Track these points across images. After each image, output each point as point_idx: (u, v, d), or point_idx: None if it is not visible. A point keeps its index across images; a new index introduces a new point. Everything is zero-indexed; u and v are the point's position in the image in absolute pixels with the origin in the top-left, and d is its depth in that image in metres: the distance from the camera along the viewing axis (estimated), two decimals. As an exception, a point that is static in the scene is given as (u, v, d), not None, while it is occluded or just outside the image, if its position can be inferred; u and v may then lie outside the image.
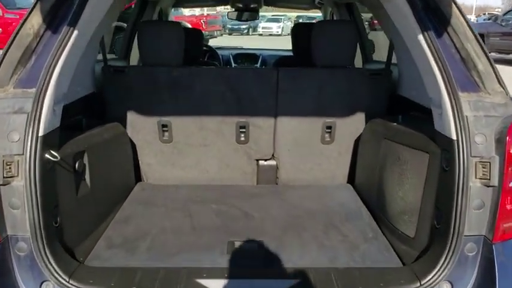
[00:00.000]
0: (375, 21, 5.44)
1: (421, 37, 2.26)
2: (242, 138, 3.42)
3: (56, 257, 2.10)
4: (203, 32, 6.51)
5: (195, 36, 4.74)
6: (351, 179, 3.53)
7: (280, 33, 35.73)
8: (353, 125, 3.39)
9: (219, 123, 3.37)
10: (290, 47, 5.16)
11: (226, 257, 2.42)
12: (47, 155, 2.09)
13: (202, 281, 2.17)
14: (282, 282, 2.19)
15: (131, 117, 3.35)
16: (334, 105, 3.33)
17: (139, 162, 3.48)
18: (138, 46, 3.27)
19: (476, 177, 2.07)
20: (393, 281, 2.18)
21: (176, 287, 2.12)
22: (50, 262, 2.07)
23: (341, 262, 2.39)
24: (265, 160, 3.52)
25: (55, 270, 2.07)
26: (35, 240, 2.04)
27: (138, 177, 3.50)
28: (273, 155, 3.50)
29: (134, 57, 4.82)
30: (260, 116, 3.35)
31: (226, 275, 2.22)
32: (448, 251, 2.12)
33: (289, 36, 5.09)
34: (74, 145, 2.45)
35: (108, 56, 3.98)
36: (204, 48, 6.01)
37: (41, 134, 2.05)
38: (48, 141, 2.11)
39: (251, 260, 2.41)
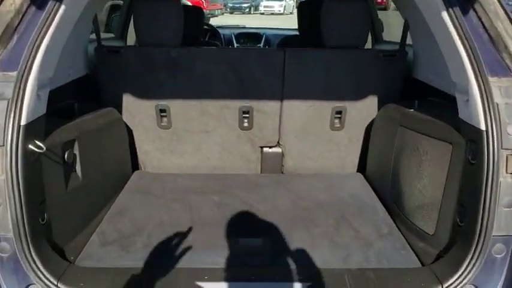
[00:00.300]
0: (379, 0, 5.17)
1: (445, 15, 2.03)
2: (245, 124, 3.20)
3: (43, 258, 1.92)
4: (204, 10, 6.23)
5: (195, 15, 4.48)
6: (361, 168, 3.33)
7: (282, 12, 35.13)
8: (364, 110, 3.17)
9: (221, 108, 3.15)
10: (292, 26, 4.90)
11: (229, 256, 2.22)
12: (30, 146, 1.88)
13: (204, 284, 1.99)
14: (292, 286, 2.00)
15: (127, 101, 3.13)
16: (344, 89, 3.11)
17: (137, 149, 3.27)
18: (134, 25, 3.04)
19: (507, 172, 1.87)
20: (412, 284, 1.99)
21: None
22: (36, 264, 1.88)
23: (354, 262, 2.19)
24: (270, 147, 3.32)
25: (42, 273, 1.89)
26: (18, 240, 1.85)
27: (135, 166, 3.30)
28: (278, 142, 3.29)
29: (132, 37, 4.59)
30: (265, 100, 3.13)
31: (229, 277, 2.03)
32: (474, 251, 1.93)
33: (291, 15, 4.82)
34: (63, 133, 2.24)
35: (105, 36, 3.76)
36: (205, 27, 5.75)
37: (23, 122, 1.84)
38: (32, 130, 1.90)
39: (257, 259, 2.21)
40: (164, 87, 3.08)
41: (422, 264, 2.18)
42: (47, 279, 1.89)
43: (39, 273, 1.88)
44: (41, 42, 1.90)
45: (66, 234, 2.22)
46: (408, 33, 3.13)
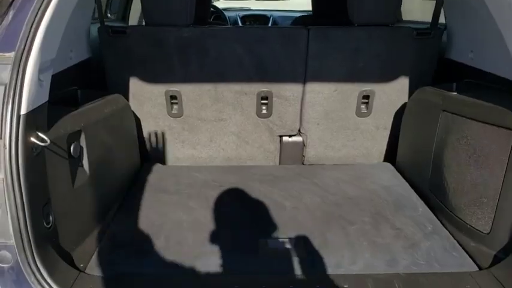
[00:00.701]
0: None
1: None
2: (264, 111, 2.93)
3: (50, 267, 1.66)
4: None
5: None
6: (389, 157, 3.07)
7: (278, -4, 34.60)
8: (394, 94, 2.90)
9: (237, 94, 2.87)
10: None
11: (259, 261, 1.97)
12: (32, 139, 1.61)
13: None
14: None
15: (134, 87, 2.85)
16: (373, 71, 2.83)
17: (145, 140, 3.00)
18: (142, 2, 2.74)
19: None
20: None
21: None
22: (41, 274, 1.63)
23: (402, 266, 1.94)
24: (290, 136, 3.04)
25: (48, 285, 1.64)
26: (21, 247, 1.59)
27: (144, 157, 3.02)
28: (299, 130, 3.02)
29: (134, 19, 4.30)
30: (285, 84, 2.85)
31: (264, 286, 1.78)
32: None
33: (287, 1, 4.49)
34: (68, 124, 1.96)
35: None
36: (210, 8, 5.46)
37: (23, 111, 1.57)
38: (34, 120, 1.63)
39: (291, 264, 1.95)
40: (175, 72, 2.80)
41: (479, 268, 1.93)
42: None
43: (45, 284, 1.63)
44: (42, 17, 1.61)
45: (74, 238, 1.95)
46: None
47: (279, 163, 3.12)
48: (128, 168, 2.70)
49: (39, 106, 1.67)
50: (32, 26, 1.59)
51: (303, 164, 3.12)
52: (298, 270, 1.91)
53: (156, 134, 2.99)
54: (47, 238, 1.73)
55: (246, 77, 2.83)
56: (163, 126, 2.97)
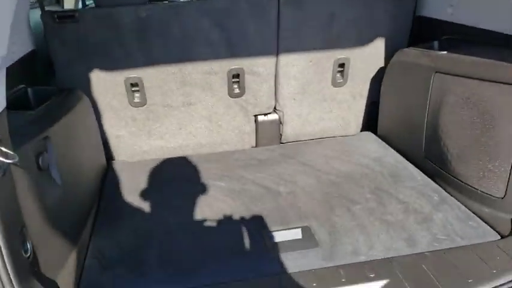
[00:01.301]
0: None
1: None
2: (236, 90, 2.70)
3: None
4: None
5: None
6: (368, 126, 2.94)
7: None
8: (369, 59, 2.75)
9: (206, 74, 2.62)
10: None
11: (267, 260, 1.77)
12: None
13: None
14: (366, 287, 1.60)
15: (89, 78, 2.52)
16: (348, 37, 2.66)
17: (107, 135, 2.69)
18: None
19: None
20: (504, 260, 1.65)
21: None
22: None
23: (423, 244, 1.81)
24: (265, 115, 2.84)
25: None
26: None
27: (108, 155, 2.71)
28: (274, 108, 2.82)
29: (70, 2, 3.89)
30: (257, 59, 2.62)
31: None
32: None
33: None
34: (32, 132, 1.65)
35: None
36: None
37: None
38: None
39: (305, 259, 1.77)
40: (134, 56, 2.50)
41: (501, 235, 1.84)
42: None
43: None
44: None
45: (56, 262, 1.67)
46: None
47: (256, 145, 2.91)
48: (96, 170, 2.41)
49: None
50: None
51: (281, 143, 2.93)
52: (315, 265, 1.73)
53: (117, 128, 2.68)
54: (27, 270, 1.44)
55: (215, 55, 2.57)
56: (126, 117, 2.67)
